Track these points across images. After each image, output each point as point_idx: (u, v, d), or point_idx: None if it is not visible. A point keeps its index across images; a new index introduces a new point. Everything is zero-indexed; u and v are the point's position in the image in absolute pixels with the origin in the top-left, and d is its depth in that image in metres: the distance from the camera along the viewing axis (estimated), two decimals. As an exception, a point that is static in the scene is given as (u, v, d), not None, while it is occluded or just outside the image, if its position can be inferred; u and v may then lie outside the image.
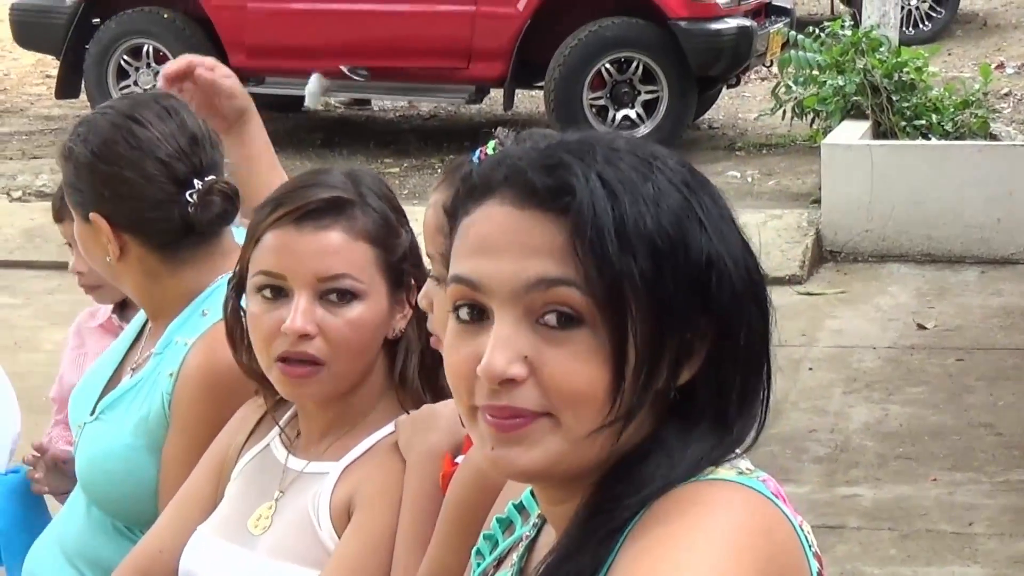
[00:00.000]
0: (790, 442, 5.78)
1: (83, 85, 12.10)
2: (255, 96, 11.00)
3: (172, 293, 2.80)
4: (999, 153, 8.54)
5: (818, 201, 8.44)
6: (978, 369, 6.52)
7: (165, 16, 11.90)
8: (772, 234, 8.14)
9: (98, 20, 11.84)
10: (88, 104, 11.91)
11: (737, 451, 1.50)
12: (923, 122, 8.91)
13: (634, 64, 10.47)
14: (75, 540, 2.94)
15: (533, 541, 1.65)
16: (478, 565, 1.78)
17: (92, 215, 2.79)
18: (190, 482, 2.59)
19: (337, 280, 2.37)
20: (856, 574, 4.89)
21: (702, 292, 1.41)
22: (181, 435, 2.75)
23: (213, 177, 2.61)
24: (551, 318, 1.40)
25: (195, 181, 2.64)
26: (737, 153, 10.35)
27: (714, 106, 11.47)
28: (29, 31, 12.41)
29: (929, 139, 8.81)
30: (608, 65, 10.47)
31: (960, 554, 4.92)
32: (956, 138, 8.89)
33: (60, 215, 3.68)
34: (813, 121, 9.45)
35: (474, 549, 1.81)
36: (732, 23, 10.33)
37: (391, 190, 2.52)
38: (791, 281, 7.74)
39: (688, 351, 1.43)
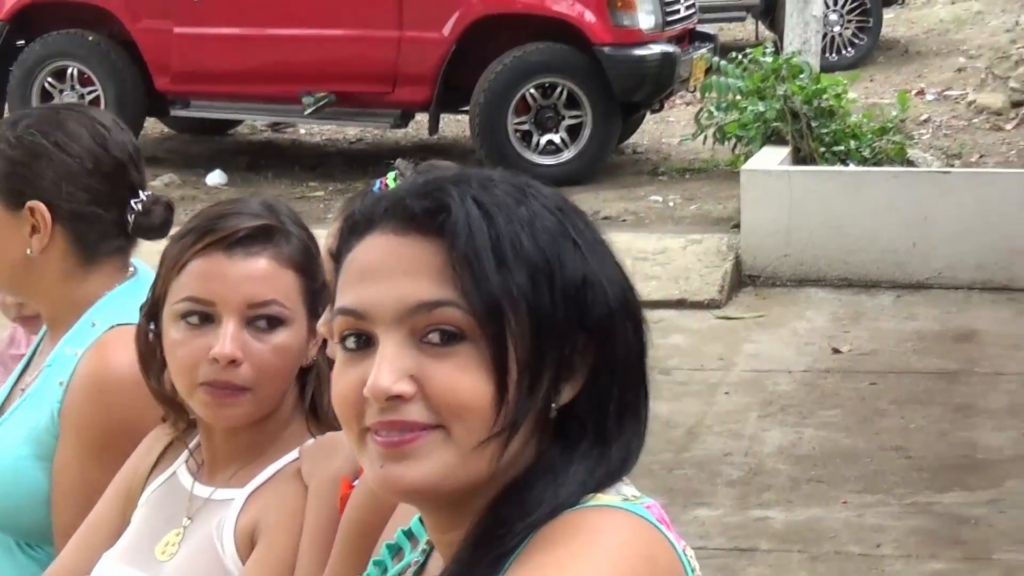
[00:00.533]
0: (705, 465, 5.81)
1: (6, 106, 11.93)
2: (181, 119, 10.86)
3: (74, 298, 2.79)
4: (915, 179, 8.62)
5: (738, 226, 8.48)
6: (891, 392, 6.59)
7: (90, 39, 11.91)
8: (692, 258, 8.22)
9: (22, 42, 11.79)
10: None
11: (624, 477, 1.51)
12: (842, 148, 9.01)
13: (558, 89, 10.50)
14: None
15: (422, 567, 1.66)
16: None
17: (32, 203, 2.76)
18: (96, 510, 2.56)
19: (266, 306, 2.40)
20: (765, 595, 4.88)
21: (578, 309, 1.45)
22: (72, 443, 2.72)
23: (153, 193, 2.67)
24: (434, 336, 1.43)
25: (140, 191, 2.68)
26: (660, 178, 10.42)
27: (638, 131, 11.50)
28: None
29: (847, 165, 8.88)
30: (533, 90, 10.50)
31: (867, 575, 4.97)
32: (874, 164, 8.99)
33: None
34: (735, 147, 9.49)
35: (363, 575, 1.81)
36: (656, 49, 10.36)
37: (302, 219, 2.56)
38: (710, 305, 7.79)
39: (569, 368, 1.46)
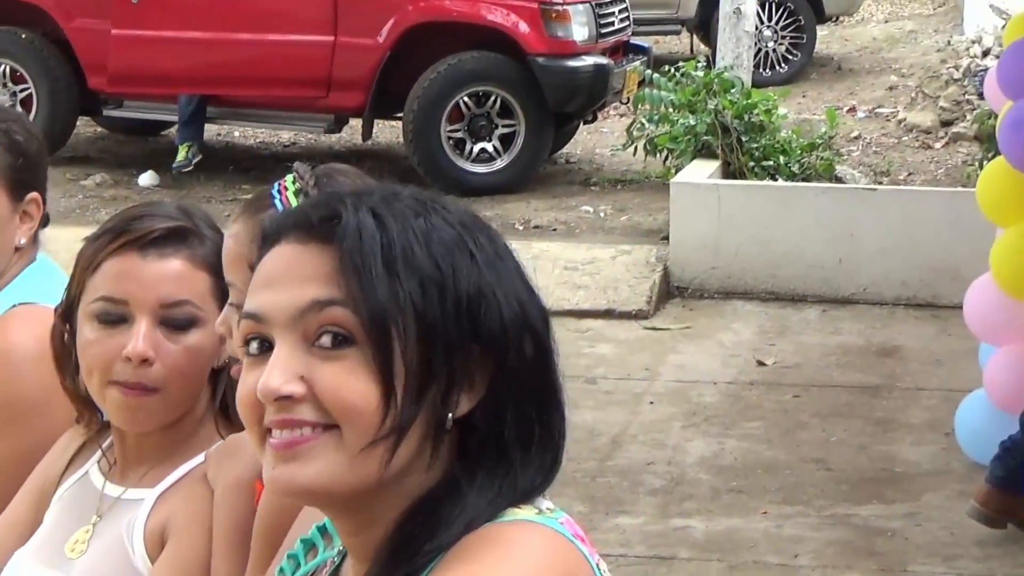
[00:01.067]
0: (627, 474, 5.87)
1: None
2: (114, 119, 10.77)
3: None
4: (842, 195, 8.73)
5: (668, 238, 8.52)
6: (813, 405, 6.66)
7: (23, 36, 11.73)
8: (621, 269, 8.29)
9: None
10: None
11: (538, 494, 1.56)
12: (771, 163, 9.05)
13: (492, 98, 10.54)
14: None
15: (338, 568, 1.68)
16: (290, 570, 1.79)
17: (34, 194, 2.86)
18: (9, 510, 2.57)
19: (179, 307, 2.42)
20: (684, 604, 4.94)
21: (470, 320, 1.47)
22: None
23: None
24: (326, 339, 1.46)
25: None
26: (592, 188, 10.46)
27: (572, 141, 11.53)
28: None
29: (776, 180, 8.93)
30: (466, 98, 10.53)
31: (784, 585, 5.04)
32: (803, 179, 9.04)
33: None
34: (666, 159, 9.52)
35: (277, 568, 1.83)
36: (589, 60, 10.42)
37: (216, 223, 2.59)
38: (638, 316, 7.84)
39: (464, 379, 1.48)
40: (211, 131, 12.90)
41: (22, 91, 11.79)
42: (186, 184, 11.17)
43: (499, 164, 10.56)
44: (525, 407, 1.54)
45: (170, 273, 2.50)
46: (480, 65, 10.53)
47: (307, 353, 1.51)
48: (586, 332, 7.70)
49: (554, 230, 9.70)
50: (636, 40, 11.69)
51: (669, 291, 8.21)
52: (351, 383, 1.50)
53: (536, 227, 9.71)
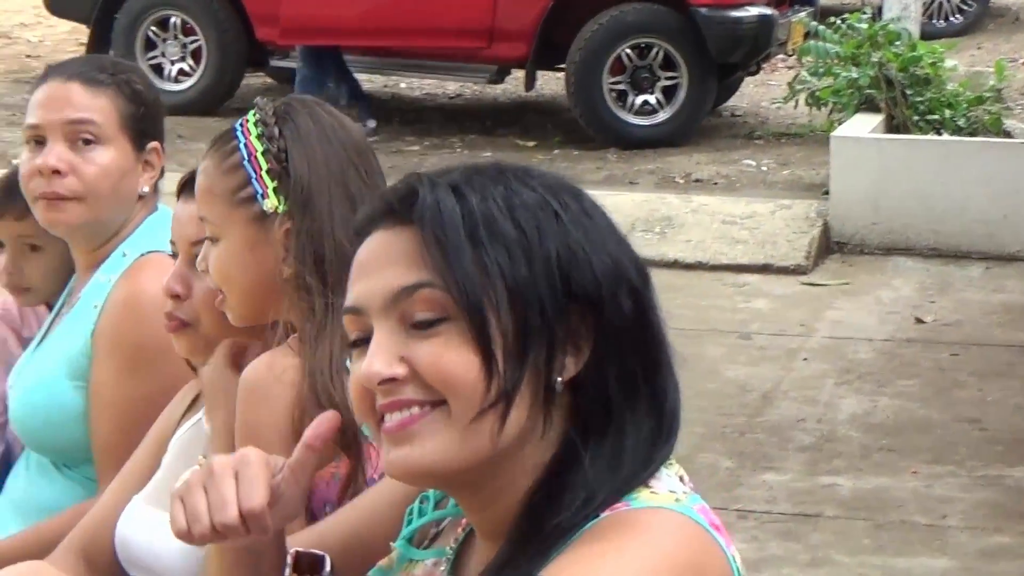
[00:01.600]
0: (777, 430, 5.89)
1: (111, 54, 11.49)
2: (280, 70, 10.99)
3: (120, 232, 3.04)
4: (1008, 150, 8.53)
5: (829, 192, 8.49)
6: (971, 364, 6.54)
7: None
8: (780, 224, 8.31)
9: None
10: None
11: (653, 458, 1.58)
12: (936, 117, 8.88)
13: (655, 50, 10.46)
14: (22, 491, 3.06)
15: (465, 542, 1.72)
16: (419, 512, 1.83)
17: (154, 144, 3.04)
18: (133, 457, 2.69)
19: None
20: (827, 562, 4.94)
21: (562, 279, 1.51)
22: (107, 361, 2.88)
23: None
24: (420, 318, 1.50)
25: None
26: (756, 141, 10.40)
27: (737, 94, 11.45)
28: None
29: (941, 134, 8.78)
30: (628, 50, 10.46)
31: (930, 546, 4.99)
32: (969, 134, 8.87)
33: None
34: (831, 112, 9.45)
35: (408, 507, 1.85)
36: (753, 11, 10.32)
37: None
38: (795, 271, 7.83)
39: (566, 340, 1.52)
40: (378, 82, 13.16)
41: (192, 43, 12.01)
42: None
43: (661, 116, 10.52)
44: (629, 364, 1.56)
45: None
46: (642, 17, 10.43)
47: (405, 335, 1.55)
48: (743, 287, 7.71)
49: (715, 184, 9.63)
50: (803, -10, 11.55)
51: (828, 246, 8.15)
52: (450, 356, 1.53)
53: (697, 180, 9.63)
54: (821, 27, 9.70)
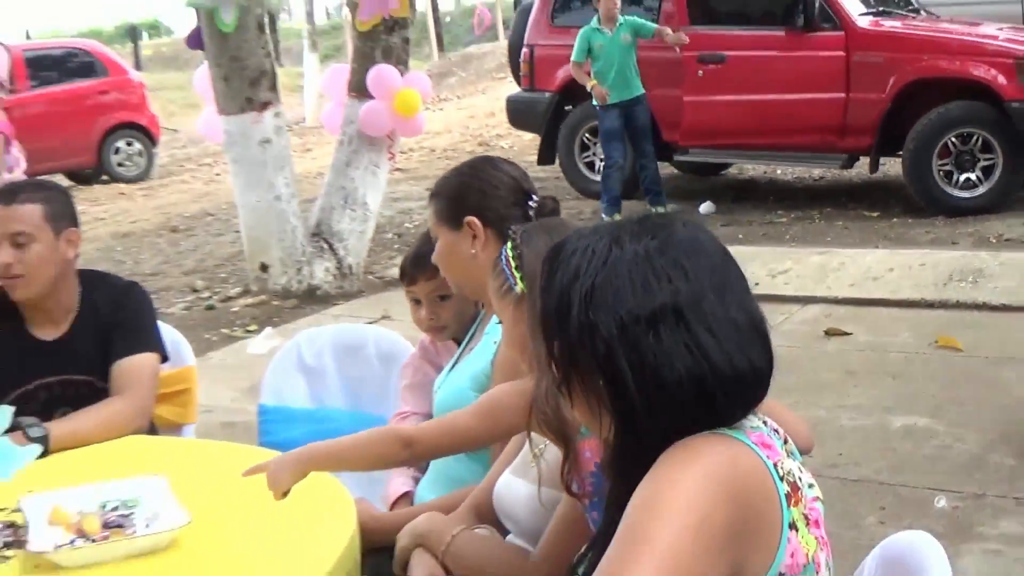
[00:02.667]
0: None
1: (556, 156, 13.26)
2: (682, 163, 13.81)
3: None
4: None
5: None
6: None
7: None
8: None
9: (569, 107, 12.96)
10: (560, 170, 13.36)
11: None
12: None
13: (975, 137, 10.93)
14: (444, 467, 3.32)
15: None
16: None
17: (468, 218, 3.17)
18: (514, 439, 2.87)
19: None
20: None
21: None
22: (500, 379, 3.04)
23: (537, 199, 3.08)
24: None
25: (533, 196, 3.15)
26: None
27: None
28: (520, 116, 13.83)
29: None
30: (953, 138, 10.97)
31: None
32: None
33: (414, 278, 3.78)
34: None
35: None
36: None
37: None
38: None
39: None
40: (758, 170, 14.13)
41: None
42: (735, 211, 12.02)
43: (981, 190, 10.97)
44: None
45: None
46: (965, 111, 10.92)
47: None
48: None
49: (1022, 242, 9.85)
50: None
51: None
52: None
53: (1007, 240, 9.94)
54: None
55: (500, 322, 2.82)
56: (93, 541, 2.76)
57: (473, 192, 3.24)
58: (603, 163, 11.91)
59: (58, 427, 3.46)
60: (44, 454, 3.25)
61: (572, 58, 11.68)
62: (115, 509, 2.93)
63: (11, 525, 2.93)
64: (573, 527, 2.49)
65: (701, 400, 1.85)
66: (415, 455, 2.82)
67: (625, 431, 1.92)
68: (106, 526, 2.83)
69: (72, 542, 2.76)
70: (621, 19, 11.59)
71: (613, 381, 1.88)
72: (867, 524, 4.90)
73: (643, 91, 11.73)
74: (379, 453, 2.82)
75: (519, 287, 2.64)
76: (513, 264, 2.68)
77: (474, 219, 3.16)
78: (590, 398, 1.93)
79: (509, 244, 2.70)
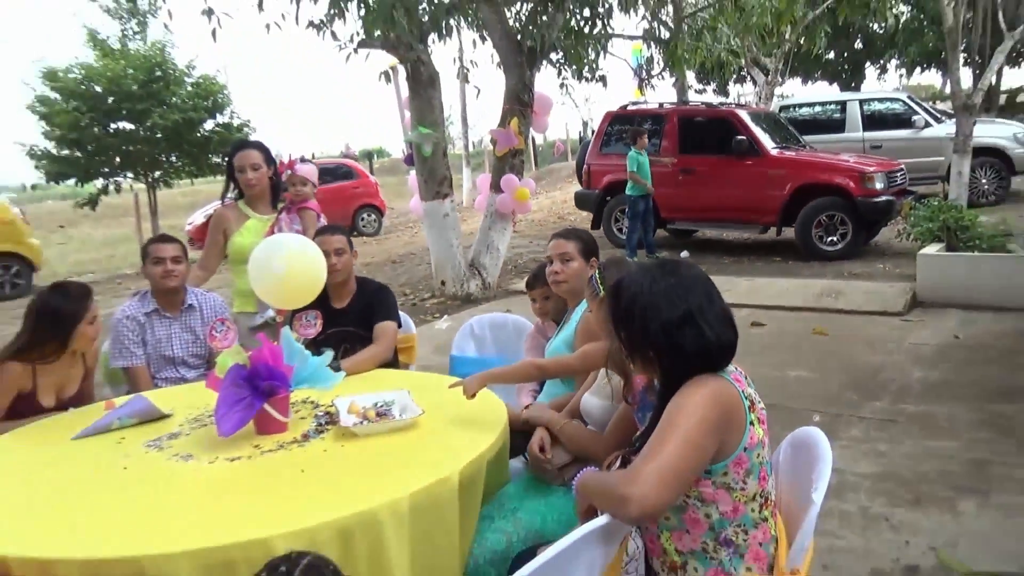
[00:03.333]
0: None
1: (602, 227, 12.40)
2: (672, 229, 12.23)
3: None
4: (1010, 259, 7.38)
5: None
6: None
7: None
8: None
9: (608, 198, 12.30)
10: (602, 232, 12.25)
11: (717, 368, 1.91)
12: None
13: (835, 216, 10.41)
14: (550, 386, 3.10)
15: None
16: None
17: (593, 259, 3.00)
18: (591, 375, 2.70)
19: None
20: None
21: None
22: (581, 341, 2.85)
23: None
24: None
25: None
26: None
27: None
28: (581, 202, 12.97)
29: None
30: (824, 216, 10.49)
31: None
32: (989, 250, 7.54)
33: (533, 287, 3.56)
34: None
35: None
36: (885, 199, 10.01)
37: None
38: None
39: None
40: (713, 233, 12.85)
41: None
42: (700, 257, 11.11)
43: (840, 246, 10.49)
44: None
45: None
46: (830, 202, 10.48)
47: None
48: None
49: (861, 276, 8.90)
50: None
51: None
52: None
53: (854, 274, 9.17)
54: None
55: (589, 310, 2.75)
56: (372, 422, 2.78)
57: (594, 245, 3.24)
58: (628, 229, 11.31)
59: (345, 362, 3.44)
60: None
61: (630, 169, 10.98)
62: (383, 406, 2.93)
63: (327, 413, 2.98)
64: (626, 422, 2.46)
65: (705, 359, 1.94)
66: (542, 375, 2.82)
67: (664, 375, 1.97)
68: (378, 415, 2.84)
69: (361, 422, 2.78)
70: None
71: (659, 353, 1.95)
72: (776, 428, 4.07)
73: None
74: (524, 373, 2.81)
75: (601, 294, 2.61)
76: (598, 281, 2.65)
77: (595, 259, 3.16)
78: (645, 360, 1.98)
79: (597, 270, 2.67)
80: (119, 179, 15.44)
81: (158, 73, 15.14)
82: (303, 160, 4.35)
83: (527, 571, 1.64)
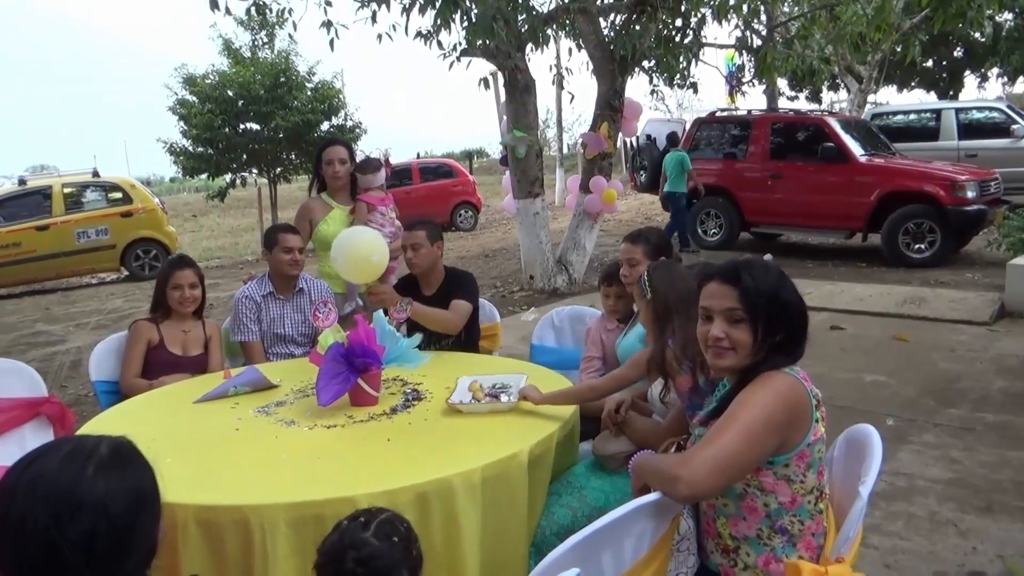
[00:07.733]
0: None
1: (674, 234, 11.64)
2: (757, 232, 11.86)
3: None
4: None
5: None
6: None
7: (719, 201, 11.69)
8: None
9: (695, 200, 11.92)
10: (690, 237, 11.90)
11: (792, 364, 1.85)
12: None
13: (923, 224, 10.12)
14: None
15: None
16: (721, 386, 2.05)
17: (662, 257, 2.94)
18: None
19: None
20: None
21: (780, 317, 1.83)
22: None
23: None
24: (734, 317, 1.82)
25: None
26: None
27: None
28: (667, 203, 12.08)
29: None
30: (911, 224, 10.21)
31: None
32: None
33: (609, 283, 3.48)
34: None
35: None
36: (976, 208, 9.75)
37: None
38: None
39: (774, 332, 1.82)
40: (797, 237, 12.57)
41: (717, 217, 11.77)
42: (784, 261, 10.65)
43: (927, 254, 10.22)
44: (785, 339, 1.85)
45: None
46: (919, 210, 10.23)
47: (727, 323, 1.85)
48: None
49: (947, 284, 8.70)
50: None
51: None
52: (742, 335, 1.85)
53: (940, 282, 8.93)
54: None
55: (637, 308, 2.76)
56: (479, 401, 2.82)
57: (663, 244, 3.23)
58: (674, 225, 11.45)
59: (416, 304, 3.53)
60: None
61: (667, 169, 11.30)
62: (500, 388, 2.97)
63: (415, 390, 2.97)
64: (680, 416, 2.50)
65: (802, 347, 1.90)
66: (598, 395, 2.77)
67: (753, 362, 1.90)
68: (488, 396, 2.87)
69: (469, 400, 2.81)
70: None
71: (786, 333, 1.87)
72: (844, 427, 3.84)
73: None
74: (581, 396, 2.77)
75: (648, 295, 2.62)
76: (647, 282, 2.63)
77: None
78: (758, 339, 1.90)
79: (646, 271, 2.66)
80: (245, 174, 16.36)
81: (282, 79, 15.92)
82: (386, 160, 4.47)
83: (583, 535, 1.70)
